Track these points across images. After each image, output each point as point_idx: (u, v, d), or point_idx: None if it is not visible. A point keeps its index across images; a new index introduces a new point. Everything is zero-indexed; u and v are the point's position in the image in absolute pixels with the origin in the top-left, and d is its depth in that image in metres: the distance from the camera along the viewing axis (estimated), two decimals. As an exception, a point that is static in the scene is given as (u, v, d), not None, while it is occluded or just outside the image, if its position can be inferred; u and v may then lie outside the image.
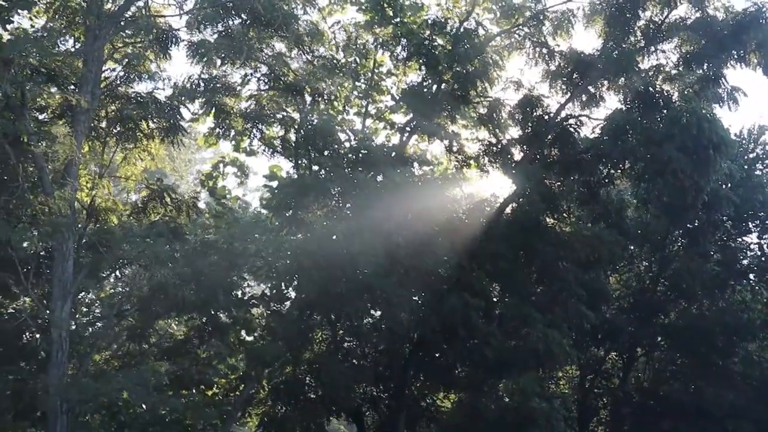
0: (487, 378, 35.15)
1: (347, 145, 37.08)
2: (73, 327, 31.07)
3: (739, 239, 45.25)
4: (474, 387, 35.75)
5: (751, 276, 45.33)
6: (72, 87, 30.12)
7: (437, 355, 36.33)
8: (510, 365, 33.40)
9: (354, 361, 35.84)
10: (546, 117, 36.93)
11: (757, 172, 44.50)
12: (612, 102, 37.00)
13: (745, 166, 42.97)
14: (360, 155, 35.23)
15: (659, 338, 44.05)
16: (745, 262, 45.06)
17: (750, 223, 44.48)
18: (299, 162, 37.65)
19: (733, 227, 44.62)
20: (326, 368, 33.27)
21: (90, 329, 33.48)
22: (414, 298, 34.19)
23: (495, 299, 36.54)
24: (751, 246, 45.56)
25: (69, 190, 28.61)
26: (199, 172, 47.87)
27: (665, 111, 34.37)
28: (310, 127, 35.86)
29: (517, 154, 37.57)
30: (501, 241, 34.36)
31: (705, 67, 35.25)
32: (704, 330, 41.75)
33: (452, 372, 36.27)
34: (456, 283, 34.21)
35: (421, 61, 36.70)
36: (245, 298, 36.49)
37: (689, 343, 42.19)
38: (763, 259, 44.59)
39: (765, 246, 44.72)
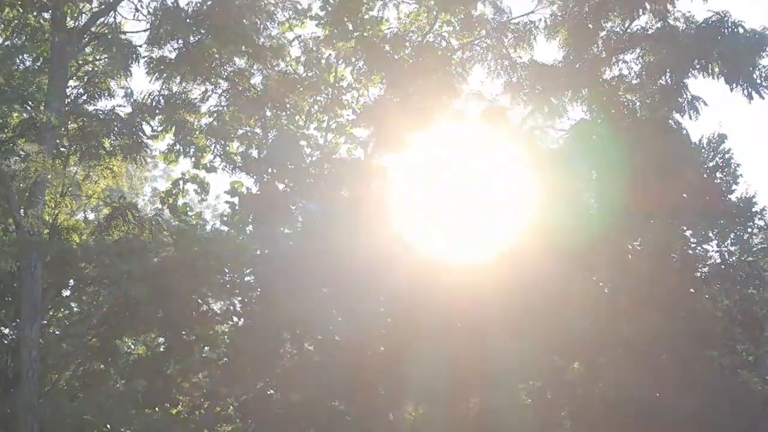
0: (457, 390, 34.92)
1: (310, 160, 36.99)
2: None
3: (699, 248, 45.38)
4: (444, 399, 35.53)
5: (713, 283, 45.45)
6: (31, 105, 29.86)
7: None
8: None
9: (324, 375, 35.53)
10: (507, 128, 36.89)
11: (717, 181, 44.69)
12: (574, 113, 37.15)
13: (705, 175, 43.12)
14: (325, 170, 35.06)
15: (622, 348, 44.00)
16: (705, 270, 45.18)
17: (710, 231, 44.64)
18: (262, 178, 37.42)
19: (693, 235, 44.74)
20: (297, 384, 33.00)
21: (63, 346, 32.99)
22: (381, 309, 34.03)
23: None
24: (710, 254, 45.78)
25: (41, 208, 28.29)
26: (155, 190, 47.50)
27: (630, 121, 34.38)
28: (272, 141, 35.65)
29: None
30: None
31: (667, 77, 35.38)
32: (668, 337, 41.77)
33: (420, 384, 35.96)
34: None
35: (383, 74, 36.51)
36: (209, 314, 36.24)
37: (652, 352, 42.19)
38: (723, 267, 44.75)
39: (725, 254, 44.93)
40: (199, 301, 35.64)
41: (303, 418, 33.39)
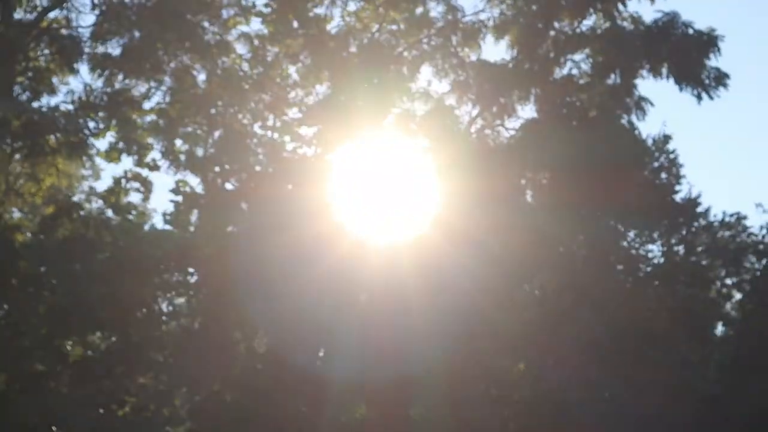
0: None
1: (255, 158, 36.59)
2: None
3: (642, 248, 45.59)
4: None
5: (656, 283, 45.67)
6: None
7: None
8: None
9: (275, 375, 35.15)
10: (455, 127, 36.73)
11: (662, 181, 44.92)
12: (524, 113, 36.98)
13: (649, 175, 43.29)
14: (273, 168, 34.71)
15: (568, 347, 44.04)
16: (648, 269, 45.36)
17: (654, 232, 44.86)
18: (207, 176, 36.93)
19: (637, 235, 44.93)
20: (249, 384, 32.63)
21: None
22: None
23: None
24: (654, 254, 46.02)
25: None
26: (91, 188, 46.73)
27: (582, 121, 34.33)
28: (218, 140, 35.22)
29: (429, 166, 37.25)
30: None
31: (617, 77, 35.40)
32: (612, 338, 41.90)
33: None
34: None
35: (328, 73, 36.12)
36: (156, 314, 35.73)
37: (598, 352, 42.28)
38: (667, 266, 44.97)
39: (670, 254, 45.17)
40: (146, 301, 35.06)
41: (255, 418, 32.98)
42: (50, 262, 31.72)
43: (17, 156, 31.88)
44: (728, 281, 46.96)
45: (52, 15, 31.21)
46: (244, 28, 38.51)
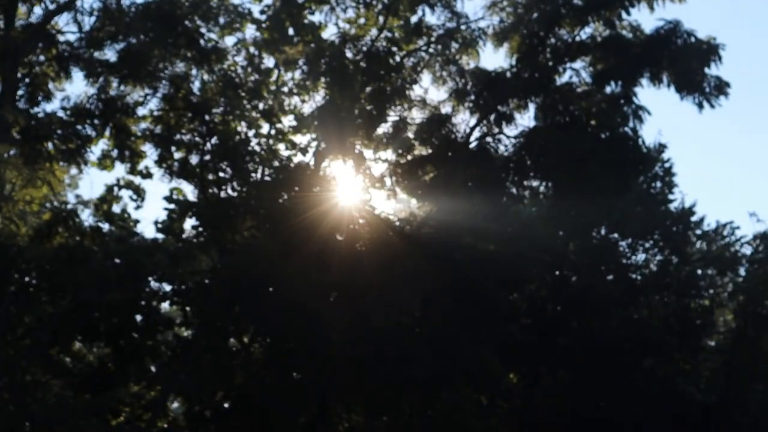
0: (418, 398, 34.25)
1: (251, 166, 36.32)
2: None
3: (634, 257, 45.64)
4: (406, 407, 34.91)
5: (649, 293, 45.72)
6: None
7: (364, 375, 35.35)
8: (441, 385, 32.87)
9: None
10: (453, 136, 36.55)
11: (656, 190, 45.01)
12: (521, 121, 36.71)
13: (644, 185, 43.35)
14: (280, 176, 34.50)
15: (561, 356, 43.97)
16: (641, 279, 45.38)
17: (647, 241, 44.95)
18: (204, 184, 36.60)
19: (630, 245, 45.00)
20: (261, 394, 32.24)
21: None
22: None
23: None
24: (644, 265, 46.03)
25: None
26: (77, 196, 46.31)
27: (585, 128, 34.12)
28: (223, 145, 34.98)
29: (428, 175, 36.95)
30: (423, 258, 33.71)
31: (617, 85, 35.24)
32: (606, 347, 41.93)
33: (379, 394, 35.16)
34: (381, 302, 33.48)
35: (333, 79, 35.73)
36: (152, 323, 35.35)
37: (592, 361, 42.25)
38: (660, 276, 44.99)
39: (663, 263, 45.21)
40: (140, 309, 34.71)
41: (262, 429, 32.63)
42: (46, 270, 31.36)
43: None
44: (722, 290, 47.12)
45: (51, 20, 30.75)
46: (239, 35, 38.37)
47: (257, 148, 37.09)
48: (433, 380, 32.30)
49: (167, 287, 35.88)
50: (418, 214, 36.97)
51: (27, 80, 31.38)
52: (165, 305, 36.82)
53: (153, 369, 35.90)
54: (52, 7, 30.63)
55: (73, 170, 35.38)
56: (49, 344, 32.61)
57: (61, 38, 31.76)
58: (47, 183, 32.66)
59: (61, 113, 32.34)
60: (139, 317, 34.73)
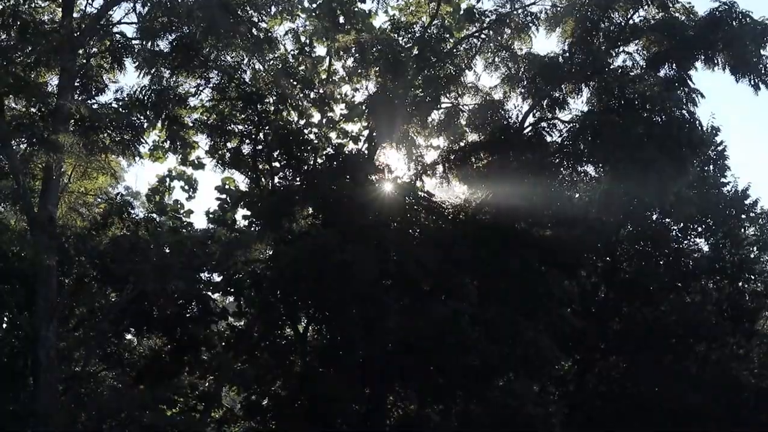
0: (474, 385, 34.13)
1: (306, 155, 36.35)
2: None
3: (686, 242, 45.38)
4: (462, 395, 34.82)
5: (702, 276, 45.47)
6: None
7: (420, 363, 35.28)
8: (498, 372, 32.83)
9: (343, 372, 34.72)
10: (505, 122, 36.44)
11: (709, 173, 44.79)
12: (575, 105, 36.50)
13: (697, 168, 43.02)
14: (334, 164, 34.49)
15: (614, 341, 43.85)
16: (694, 263, 45.09)
17: (699, 225, 44.72)
18: (257, 174, 36.63)
19: (682, 230, 44.79)
20: (318, 381, 32.29)
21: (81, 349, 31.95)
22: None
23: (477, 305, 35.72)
24: (696, 249, 45.79)
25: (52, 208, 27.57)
26: (127, 189, 46.42)
27: (640, 112, 33.81)
28: (276, 135, 35.01)
29: (482, 161, 36.82)
30: (480, 246, 33.64)
31: (671, 68, 35.01)
32: (658, 333, 41.81)
33: (436, 380, 35.04)
34: (438, 289, 33.47)
35: (385, 67, 35.57)
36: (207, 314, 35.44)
37: (644, 346, 42.14)
38: (713, 260, 44.73)
39: (717, 247, 44.96)
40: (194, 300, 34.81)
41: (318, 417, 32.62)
42: (105, 261, 31.51)
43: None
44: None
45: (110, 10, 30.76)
46: (289, 24, 38.37)
47: (310, 137, 37.21)
48: (490, 367, 32.30)
49: (218, 278, 36.16)
50: (472, 200, 36.73)
51: (82, 72, 31.36)
52: (217, 296, 36.93)
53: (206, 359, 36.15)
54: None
55: (123, 162, 35.25)
56: (110, 335, 32.84)
57: (116, 29, 31.65)
58: (110, 173, 32.68)
59: (114, 104, 32.27)
60: (194, 307, 34.96)
